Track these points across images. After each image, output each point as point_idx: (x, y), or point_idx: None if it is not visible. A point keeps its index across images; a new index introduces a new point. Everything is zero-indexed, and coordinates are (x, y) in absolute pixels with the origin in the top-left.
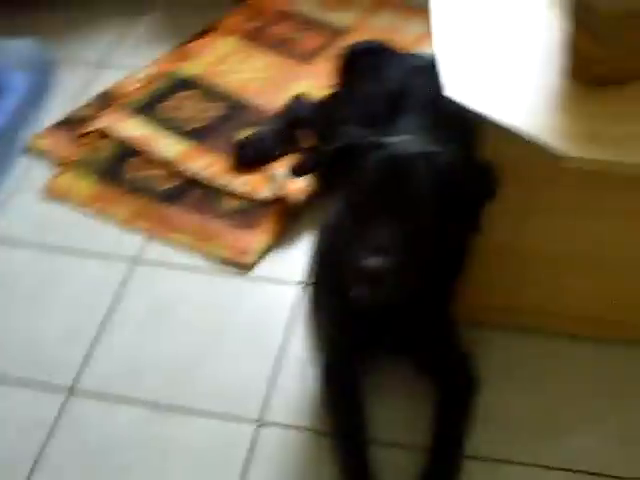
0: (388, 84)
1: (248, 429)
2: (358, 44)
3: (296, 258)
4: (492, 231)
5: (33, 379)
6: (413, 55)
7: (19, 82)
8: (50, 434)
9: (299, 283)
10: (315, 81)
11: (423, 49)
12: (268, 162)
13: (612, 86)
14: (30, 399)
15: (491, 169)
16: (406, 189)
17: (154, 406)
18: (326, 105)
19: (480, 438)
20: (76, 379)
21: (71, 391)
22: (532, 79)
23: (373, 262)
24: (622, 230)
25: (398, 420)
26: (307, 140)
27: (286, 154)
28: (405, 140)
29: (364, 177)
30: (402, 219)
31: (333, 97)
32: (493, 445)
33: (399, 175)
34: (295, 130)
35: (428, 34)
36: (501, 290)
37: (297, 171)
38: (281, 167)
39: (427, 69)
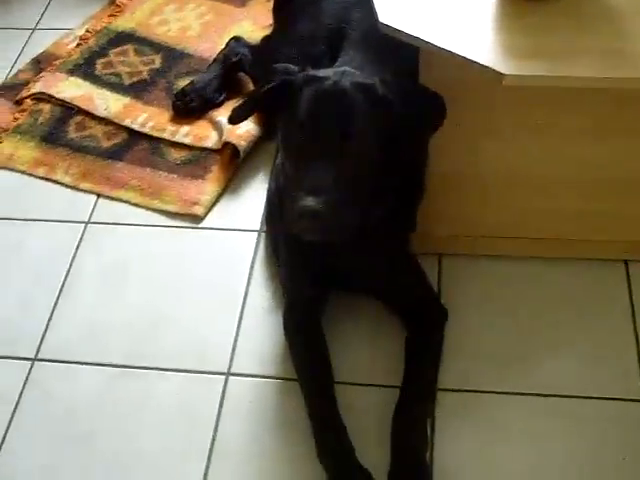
0: (326, 20)
1: (217, 382)
2: None
3: (248, 205)
4: (445, 158)
5: None
6: None
7: None
8: (17, 405)
9: (254, 230)
10: (254, 23)
11: None
12: (210, 109)
13: (546, 0)
14: None
15: (434, 96)
16: (340, 124)
17: (120, 367)
18: (264, 47)
19: (451, 369)
20: (38, 347)
21: (34, 360)
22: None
23: (308, 202)
24: (576, 149)
25: (373, 360)
26: (249, 83)
27: (228, 99)
28: (340, 72)
29: (297, 115)
30: (338, 155)
31: (270, 38)
32: (465, 375)
33: (332, 110)
34: (235, 74)
35: None
36: (461, 217)
37: (234, 118)
38: (225, 113)
39: (367, 1)
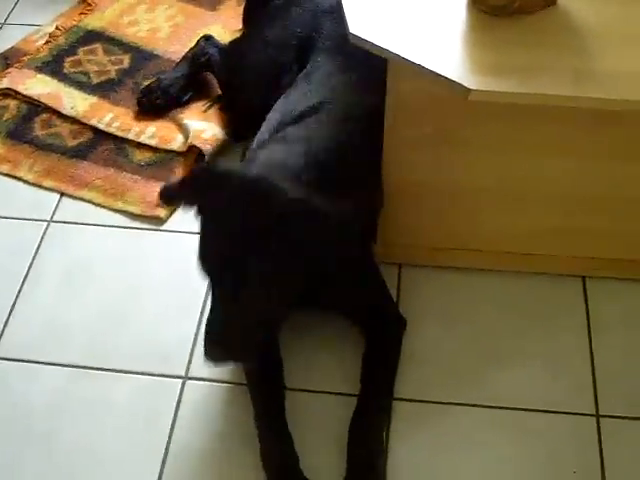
0: (295, 28)
1: (174, 385)
2: None
3: None
4: (405, 168)
5: None
6: None
7: None
8: None
9: None
10: (224, 27)
11: None
12: (175, 107)
13: (514, 16)
14: None
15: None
16: (249, 242)
17: (79, 367)
18: (232, 51)
19: (408, 379)
20: None
21: None
22: (436, 14)
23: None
24: (538, 165)
25: (332, 368)
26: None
27: (195, 99)
28: (252, 179)
29: (207, 224)
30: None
31: (239, 42)
32: (420, 385)
33: (240, 225)
34: (203, 74)
35: None
36: (420, 228)
37: (165, 200)
38: (191, 115)
39: (336, 10)
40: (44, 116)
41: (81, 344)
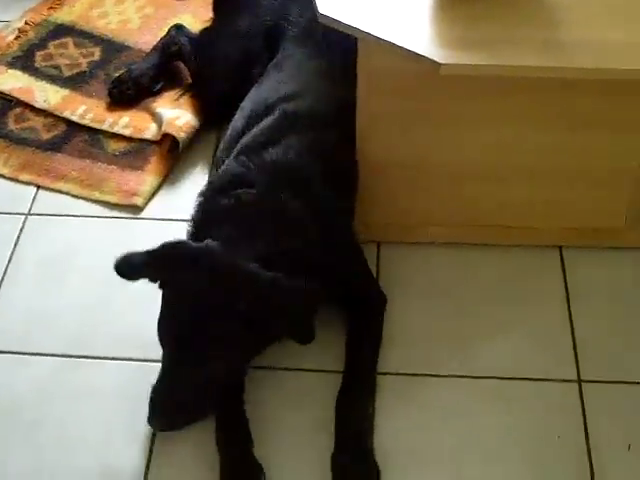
0: (264, 16)
1: (158, 370)
2: None
3: (187, 195)
4: (380, 147)
5: None
6: None
7: None
8: None
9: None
10: (194, 16)
11: None
12: (147, 97)
13: None
14: None
15: (302, 295)
16: (201, 324)
17: (63, 356)
18: (202, 40)
19: (392, 354)
20: None
21: None
22: None
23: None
24: (509, 138)
25: (316, 348)
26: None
27: (166, 88)
28: (207, 269)
29: (166, 303)
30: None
31: (209, 31)
32: (404, 359)
33: (195, 313)
34: (174, 63)
35: None
36: (396, 205)
37: (123, 273)
38: (164, 104)
39: None
40: (17, 110)
41: (64, 333)
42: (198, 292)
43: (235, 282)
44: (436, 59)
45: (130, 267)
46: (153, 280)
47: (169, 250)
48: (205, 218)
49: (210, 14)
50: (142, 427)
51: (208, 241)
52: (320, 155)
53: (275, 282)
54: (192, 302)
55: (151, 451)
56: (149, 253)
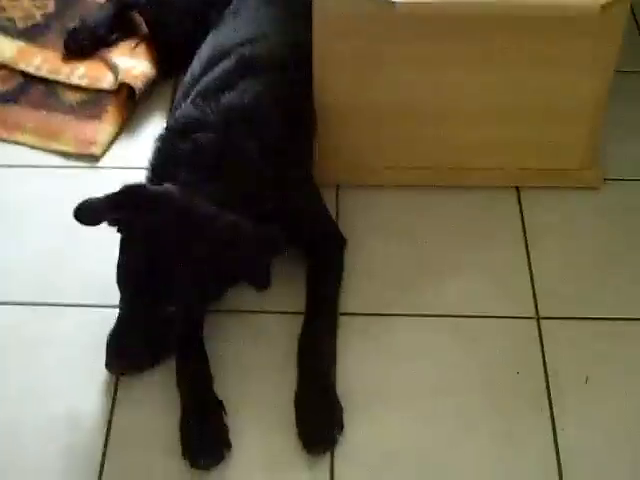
0: None
1: (112, 314)
2: None
3: (144, 144)
4: (338, 90)
5: None
6: None
7: None
8: None
9: None
10: None
11: None
12: (102, 47)
13: None
14: None
15: (260, 237)
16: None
17: (23, 305)
18: None
19: (352, 294)
20: None
21: None
22: None
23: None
24: (464, 78)
25: (278, 289)
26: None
27: (121, 39)
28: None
29: (125, 247)
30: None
31: None
32: (365, 299)
33: (154, 255)
34: (128, 13)
35: None
36: (354, 149)
37: (83, 217)
38: (119, 54)
39: None
40: None
41: (22, 282)
42: (157, 234)
43: (194, 224)
44: None
45: (90, 212)
46: (112, 224)
47: (128, 193)
48: (163, 162)
49: None
50: (104, 373)
51: (167, 184)
52: (277, 98)
53: (236, 226)
54: (151, 244)
55: (115, 396)
56: (108, 197)
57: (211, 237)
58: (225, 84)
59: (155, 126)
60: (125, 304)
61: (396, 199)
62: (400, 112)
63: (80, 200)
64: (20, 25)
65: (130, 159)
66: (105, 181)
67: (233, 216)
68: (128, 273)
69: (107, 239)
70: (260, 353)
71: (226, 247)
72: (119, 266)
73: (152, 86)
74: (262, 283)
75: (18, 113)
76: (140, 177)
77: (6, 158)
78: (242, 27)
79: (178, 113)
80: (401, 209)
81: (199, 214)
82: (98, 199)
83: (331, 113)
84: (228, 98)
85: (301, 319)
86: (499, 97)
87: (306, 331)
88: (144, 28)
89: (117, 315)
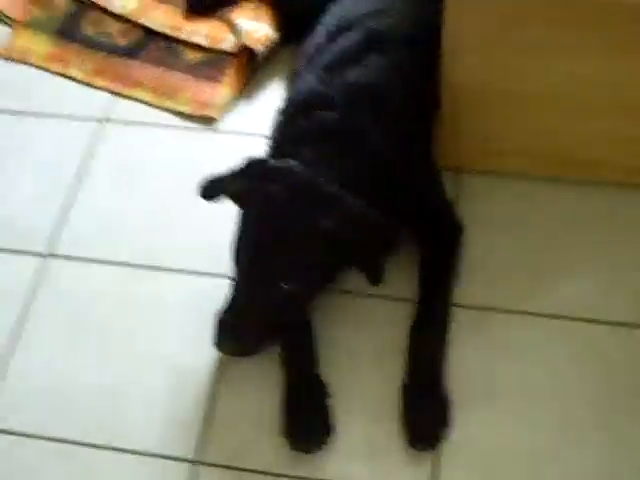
0: None
1: (224, 285)
2: None
3: (262, 110)
4: (465, 72)
5: (6, 248)
6: None
7: None
8: (31, 296)
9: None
10: None
11: None
12: (223, 7)
13: None
14: (5, 266)
15: (384, 227)
16: (283, 247)
17: (132, 266)
18: None
19: (467, 286)
20: (50, 244)
21: (46, 255)
22: None
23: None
24: (600, 68)
25: (390, 274)
26: None
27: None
28: (303, 179)
29: (245, 222)
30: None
31: None
32: (480, 293)
33: (277, 230)
34: None
35: None
36: (481, 133)
37: (205, 193)
38: (242, 14)
39: None
40: (93, 14)
41: (134, 243)
42: (280, 210)
43: (319, 201)
44: None
45: (214, 186)
46: (234, 199)
47: (252, 166)
48: (285, 138)
49: None
50: (208, 339)
51: (289, 160)
52: (402, 77)
53: (365, 210)
54: (273, 220)
55: (220, 369)
56: (232, 171)
57: (339, 216)
58: (350, 58)
59: (273, 92)
60: (240, 280)
61: (519, 189)
62: (530, 99)
63: (194, 163)
64: None
65: (246, 125)
66: (219, 145)
67: (358, 200)
68: (247, 248)
69: (220, 208)
70: (367, 338)
71: (352, 229)
72: (237, 241)
73: (272, 51)
74: (375, 278)
75: (137, 68)
76: (254, 145)
77: (122, 114)
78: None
79: (301, 85)
80: (524, 200)
81: (324, 192)
82: (222, 176)
83: (458, 94)
84: (353, 74)
85: (410, 306)
86: (631, 90)
87: (418, 320)
88: None
89: (231, 291)
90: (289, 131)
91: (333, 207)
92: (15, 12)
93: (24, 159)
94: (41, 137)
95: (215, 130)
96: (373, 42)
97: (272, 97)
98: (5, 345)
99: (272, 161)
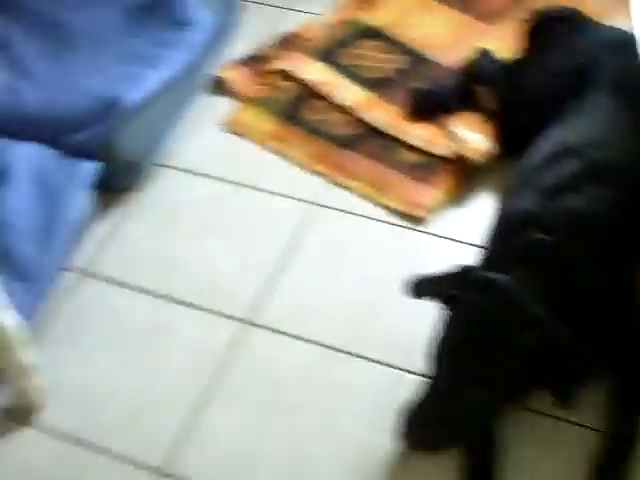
0: (579, 57)
1: (415, 381)
2: (550, 10)
3: (472, 218)
4: None
5: (209, 308)
6: (608, 27)
7: (206, 18)
8: (224, 363)
9: (474, 244)
10: (500, 42)
11: (617, 20)
12: (444, 114)
13: None
14: (205, 326)
15: (584, 354)
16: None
17: (327, 348)
18: (511, 69)
19: None
20: (251, 312)
21: (246, 323)
22: None
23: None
24: None
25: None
26: (487, 100)
27: (464, 109)
28: (508, 292)
29: (450, 325)
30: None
31: (520, 62)
32: None
33: (480, 339)
34: (475, 86)
35: (624, 3)
36: None
37: (415, 292)
38: (460, 124)
39: (623, 44)
40: (316, 102)
41: (332, 325)
42: (487, 320)
43: (524, 318)
44: None
45: (427, 286)
46: (442, 299)
47: (466, 274)
48: (498, 252)
49: (514, 43)
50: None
51: (499, 274)
52: (622, 209)
53: (565, 333)
54: (478, 329)
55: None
56: (446, 274)
57: (541, 336)
58: (570, 185)
59: (485, 202)
60: (441, 378)
61: None
62: None
63: (399, 260)
64: (369, 75)
65: (454, 230)
66: (426, 246)
67: (562, 325)
68: (451, 348)
69: (421, 303)
70: (544, 459)
71: (552, 352)
72: (440, 340)
73: (488, 162)
74: (565, 403)
75: (354, 160)
76: (460, 251)
77: (334, 199)
78: (592, 127)
79: (518, 203)
80: None
81: (531, 311)
82: (434, 275)
83: None
84: (573, 202)
85: (591, 435)
86: None
87: (602, 459)
88: (486, 103)
89: (427, 386)
90: (503, 246)
91: (537, 326)
92: (246, 89)
93: (235, 228)
94: (254, 209)
95: (423, 231)
96: (594, 173)
97: (483, 207)
98: (194, 402)
99: (483, 272)
